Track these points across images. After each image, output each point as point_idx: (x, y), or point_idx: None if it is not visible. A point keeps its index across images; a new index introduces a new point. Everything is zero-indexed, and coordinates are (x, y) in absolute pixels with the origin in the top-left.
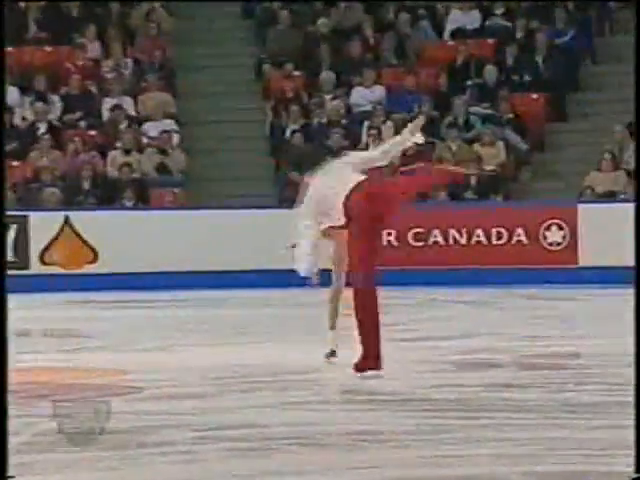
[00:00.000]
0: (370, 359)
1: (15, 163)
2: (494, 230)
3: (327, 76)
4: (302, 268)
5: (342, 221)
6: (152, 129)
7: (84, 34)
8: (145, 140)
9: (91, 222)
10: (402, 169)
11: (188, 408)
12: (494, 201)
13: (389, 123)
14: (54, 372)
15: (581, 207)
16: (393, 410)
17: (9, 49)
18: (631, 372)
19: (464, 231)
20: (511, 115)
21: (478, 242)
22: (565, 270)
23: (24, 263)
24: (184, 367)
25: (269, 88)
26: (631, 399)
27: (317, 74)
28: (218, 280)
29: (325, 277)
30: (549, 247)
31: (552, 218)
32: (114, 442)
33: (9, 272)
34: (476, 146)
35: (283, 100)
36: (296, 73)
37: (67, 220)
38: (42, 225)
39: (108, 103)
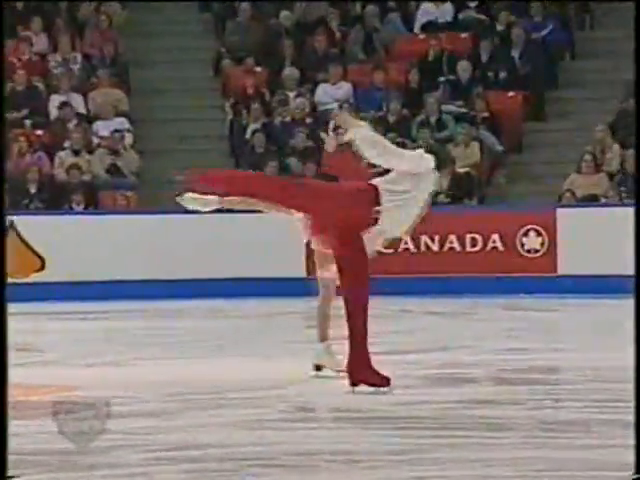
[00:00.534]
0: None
1: None
2: (468, 236)
3: (290, 72)
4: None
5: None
6: (103, 128)
7: (30, 27)
8: (95, 140)
9: (38, 227)
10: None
11: (143, 427)
12: (468, 205)
13: None
14: None
15: (560, 212)
16: (363, 428)
17: None
18: (615, 387)
19: (436, 237)
20: (486, 114)
21: (451, 249)
22: (543, 279)
23: None
24: (139, 383)
25: (228, 85)
26: (615, 417)
27: (280, 70)
28: (174, 290)
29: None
30: (526, 254)
31: (529, 223)
32: (63, 464)
33: None
34: (449, 147)
35: (243, 97)
36: (257, 69)
37: (12, 225)
38: None
39: (56, 100)
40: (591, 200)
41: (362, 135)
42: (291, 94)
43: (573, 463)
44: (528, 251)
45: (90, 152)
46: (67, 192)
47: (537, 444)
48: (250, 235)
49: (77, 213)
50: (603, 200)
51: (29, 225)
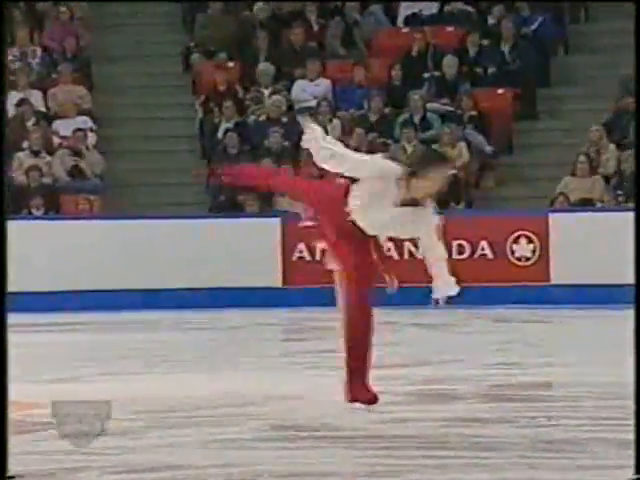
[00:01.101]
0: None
1: None
2: (454, 243)
3: (265, 68)
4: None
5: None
6: (64, 127)
7: None
8: (56, 140)
9: None
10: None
11: (109, 447)
12: (454, 210)
13: (335, 121)
14: None
15: (553, 217)
16: (345, 448)
17: None
18: (613, 404)
19: None
20: (474, 112)
21: None
22: (535, 288)
23: None
24: (101, 400)
25: (199, 81)
26: (613, 435)
27: (254, 65)
28: (140, 300)
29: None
30: (517, 262)
31: (520, 229)
32: None
33: None
34: (434, 147)
35: (215, 95)
36: (230, 64)
37: None
38: None
39: (13, 97)
40: (586, 204)
41: (314, 144)
42: (266, 91)
43: None
44: (519, 259)
45: (50, 153)
46: (26, 196)
47: (530, 464)
48: (223, 242)
49: (37, 218)
50: (599, 204)
51: None
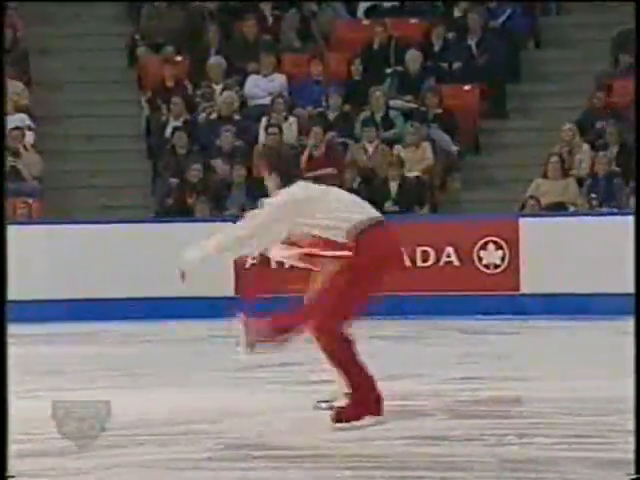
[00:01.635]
0: (366, 404)
1: None
2: (419, 249)
3: (216, 62)
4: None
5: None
6: None
7: None
8: None
9: None
10: (307, 175)
11: (49, 468)
12: (418, 214)
13: (292, 119)
14: None
15: (523, 222)
16: (307, 469)
17: None
18: (588, 420)
19: None
20: (439, 110)
21: None
22: (504, 298)
23: None
24: (41, 418)
25: (145, 76)
26: (588, 454)
27: (204, 60)
28: (81, 311)
29: None
30: (485, 270)
31: (488, 235)
32: None
33: None
34: (397, 148)
35: (162, 91)
36: (178, 58)
37: None
38: None
39: None
40: (558, 208)
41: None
42: (217, 87)
43: None
44: (487, 266)
45: None
46: None
47: None
48: (171, 248)
49: None
50: (572, 208)
51: None
